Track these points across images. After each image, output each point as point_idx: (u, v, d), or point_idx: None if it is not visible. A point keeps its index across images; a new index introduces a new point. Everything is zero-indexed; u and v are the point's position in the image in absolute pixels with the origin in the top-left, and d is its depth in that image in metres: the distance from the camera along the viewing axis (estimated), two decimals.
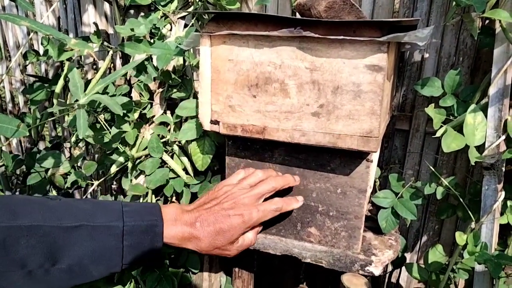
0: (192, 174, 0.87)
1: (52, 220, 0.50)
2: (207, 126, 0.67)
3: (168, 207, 0.60)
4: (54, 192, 1.02)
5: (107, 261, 0.52)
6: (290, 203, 0.65)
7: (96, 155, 1.12)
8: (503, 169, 0.67)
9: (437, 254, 0.77)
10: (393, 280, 1.12)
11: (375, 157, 0.75)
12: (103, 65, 0.82)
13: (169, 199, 0.90)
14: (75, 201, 0.56)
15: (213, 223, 0.59)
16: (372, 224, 0.78)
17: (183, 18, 0.87)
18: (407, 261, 1.06)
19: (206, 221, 0.59)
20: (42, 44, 0.82)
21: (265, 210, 0.61)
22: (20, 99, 1.58)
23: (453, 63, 0.91)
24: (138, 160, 0.88)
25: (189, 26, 0.83)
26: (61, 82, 0.84)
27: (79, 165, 1.01)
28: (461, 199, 0.72)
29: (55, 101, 0.86)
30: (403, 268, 1.07)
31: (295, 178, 0.67)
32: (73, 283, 0.52)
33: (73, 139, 0.96)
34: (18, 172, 1.23)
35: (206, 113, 0.66)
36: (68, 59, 0.83)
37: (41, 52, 0.96)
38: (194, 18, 0.84)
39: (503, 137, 0.66)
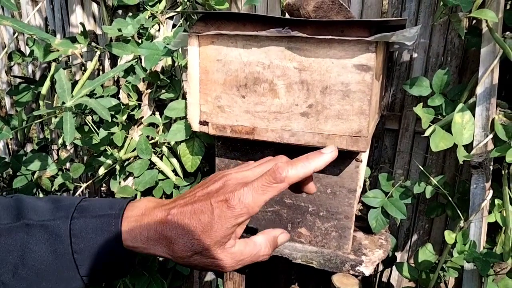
0: (181, 176, 0.86)
1: None
2: (196, 127, 0.67)
3: (141, 200, 0.45)
4: (41, 195, 1.01)
5: (60, 272, 0.40)
6: (304, 162, 0.43)
7: (85, 157, 1.11)
8: (491, 167, 0.67)
9: (427, 253, 0.78)
10: (384, 279, 1.12)
11: (364, 156, 0.75)
12: (90, 65, 0.81)
13: None
14: (31, 198, 0.43)
15: (188, 215, 0.40)
16: (362, 224, 0.79)
17: (171, 18, 0.86)
18: (398, 260, 1.06)
19: (181, 214, 0.40)
20: (27, 44, 0.80)
21: (259, 185, 0.40)
22: (7, 101, 1.56)
23: (441, 63, 0.92)
24: (127, 162, 0.87)
25: (177, 27, 0.83)
26: (47, 83, 0.83)
27: (67, 167, 1.00)
28: (450, 198, 0.72)
29: (41, 102, 0.85)
30: (394, 267, 1.07)
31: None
32: None
33: (61, 141, 0.95)
34: (4, 175, 1.21)
35: (195, 114, 0.66)
36: (54, 60, 0.82)
37: (27, 53, 0.94)
38: (183, 19, 0.84)
39: (491, 136, 0.66)
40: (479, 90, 0.68)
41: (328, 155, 0.44)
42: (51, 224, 0.40)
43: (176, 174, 0.86)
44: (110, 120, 0.63)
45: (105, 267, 0.41)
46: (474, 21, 0.82)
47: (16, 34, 1.14)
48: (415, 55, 0.94)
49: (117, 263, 0.42)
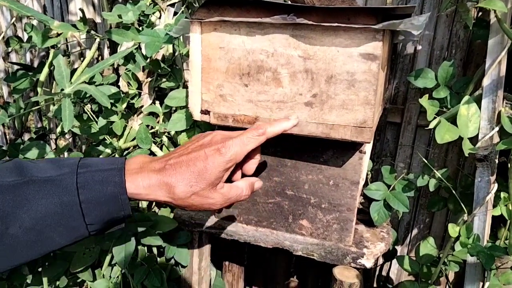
0: None
1: None
2: (197, 116, 0.65)
3: (135, 157, 0.52)
4: None
5: (67, 222, 0.45)
6: (277, 124, 0.54)
7: (83, 146, 1.10)
8: (496, 161, 0.66)
9: (428, 246, 0.77)
10: (384, 273, 1.12)
11: (368, 148, 0.74)
12: (89, 53, 0.80)
13: None
14: (30, 160, 0.48)
15: (185, 163, 0.49)
16: (364, 217, 0.78)
17: (172, 5, 0.85)
18: (398, 253, 1.06)
19: (178, 162, 0.49)
20: (25, 30, 0.79)
21: (244, 138, 0.51)
22: (4, 90, 1.54)
23: (445, 56, 0.91)
24: (126, 151, 0.85)
25: (178, 14, 0.81)
26: (45, 70, 0.81)
27: (65, 157, 0.98)
28: (453, 191, 0.71)
29: (39, 90, 0.83)
30: (394, 260, 1.07)
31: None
32: (37, 253, 0.46)
33: (59, 129, 0.93)
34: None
35: (196, 103, 0.65)
36: (53, 47, 0.80)
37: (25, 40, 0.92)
38: (184, 6, 0.82)
39: (497, 128, 0.65)
40: (486, 82, 0.67)
41: (293, 121, 0.57)
42: (58, 179, 0.45)
43: None
44: (109, 107, 0.62)
45: (108, 214, 0.47)
46: (481, 13, 0.81)
47: (14, 19, 1.12)
48: (419, 47, 0.93)
49: (119, 211, 0.47)
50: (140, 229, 0.75)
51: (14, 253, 0.45)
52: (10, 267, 0.46)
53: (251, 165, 0.56)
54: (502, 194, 0.66)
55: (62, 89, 0.65)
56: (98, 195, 0.46)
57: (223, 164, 0.49)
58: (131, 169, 0.49)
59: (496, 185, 0.65)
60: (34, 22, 1.13)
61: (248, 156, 0.54)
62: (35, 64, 1.27)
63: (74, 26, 0.84)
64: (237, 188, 0.53)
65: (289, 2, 0.66)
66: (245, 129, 0.62)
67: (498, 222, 0.77)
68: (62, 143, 0.88)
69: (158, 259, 0.84)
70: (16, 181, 0.44)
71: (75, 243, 0.48)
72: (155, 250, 0.85)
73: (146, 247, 0.82)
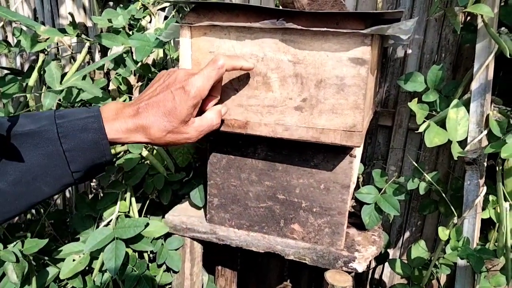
0: (173, 171, 0.85)
1: None
2: None
3: (108, 105, 0.54)
4: None
5: (52, 171, 0.47)
6: (236, 59, 0.56)
7: None
8: (485, 164, 0.67)
9: (420, 249, 0.77)
10: (376, 276, 1.12)
11: (358, 152, 0.74)
12: (79, 57, 0.79)
13: (149, 196, 0.88)
14: (3, 118, 0.50)
15: (156, 104, 0.52)
16: (356, 220, 0.78)
17: (163, 9, 0.85)
18: (390, 257, 1.06)
19: (149, 105, 0.52)
20: (14, 35, 0.78)
21: (205, 72, 0.53)
22: None
23: (435, 60, 0.92)
24: (117, 156, 0.85)
25: (169, 18, 0.81)
26: (35, 74, 0.80)
27: None
28: (443, 195, 0.72)
29: (28, 95, 0.82)
30: (386, 264, 1.07)
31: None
32: (26, 204, 0.48)
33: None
34: None
35: None
36: (42, 51, 0.79)
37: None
38: (175, 10, 0.82)
39: (485, 132, 0.66)
40: (474, 86, 0.68)
41: (250, 64, 0.57)
42: (39, 131, 0.47)
43: (167, 169, 0.85)
44: (100, 96, 0.61)
45: (91, 160, 0.49)
46: (469, 18, 0.82)
47: (2, 23, 1.11)
48: (409, 51, 0.93)
49: (101, 156, 0.50)
50: (131, 235, 0.74)
51: (3, 207, 0.46)
52: (1, 221, 0.47)
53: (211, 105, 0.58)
54: (491, 197, 0.66)
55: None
56: (80, 142, 0.48)
57: (190, 101, 0.52)
58: (107, 116, 0.51)
59: (485, 188, 0.66)
60: (23, 27, 1.12)
61: (209, 94, 0.56)
62: (26, 68, 1.26)
63: (64, 30, 0.84)
64: (207, 119, 0.56)
65: (279, 7, 0.66)
66: (236, 134, 0.62)
67: (488, 225, 0.78)
68: None
69: (149, 264, 0.83)
70: None
71: (61, 191, 0.50)
72: (146, 255, 0.84)
73: (137, 253, 0.82)
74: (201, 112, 0.56)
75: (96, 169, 0.51)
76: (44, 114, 0.49)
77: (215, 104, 0.58)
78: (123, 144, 0.53)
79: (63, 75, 0.83)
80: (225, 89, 0.61)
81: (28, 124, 0.47)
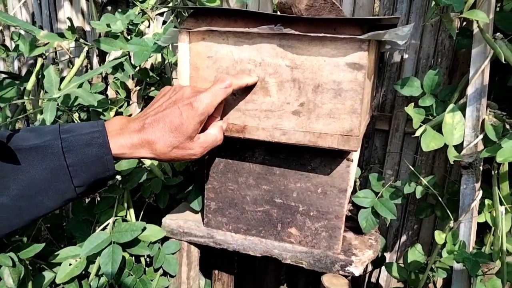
0: (170, 175, 0.85)
1: None
2: None
3: (113, 119, 0.54)
4: None
5: (55, 186, 0.47)
6: (241, 77, 0.58)
7: None
8: (481, 168, 0.67)
9: (416, 253, 0.78)
10: (373, 280, 1.12)
11: (355, 156, 0.75)
12: (77, 61, 0.80)
13: (147, 200, 0.87)
14: (6, 131, 0.49)
15: (162, 120, 0.52)
16: (352, 224, 0.78)
17: (161, 14, 0.85)
18: (387, 260, 1.06)
19: (155, 120, 0.52)
20: (12, 39, 0.78)
21: (213, 91, 0.54)
22: None
23: (431, 64, 0.92)
24: (114, 161, 0.85)
25: (167, 23, 0.81)
26: (33, 78, 0.81)
27: None
28: (440, 198, 0.72)
29: (26, 98, 0.82)
30: (383, 267, 1.07)
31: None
32: (28, 218, 0.47)
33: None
34: None
35: None
36: (40, 55, 0.79)
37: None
38: (173, 15, 0.82)
39: (481, 136, 0.66)
40: (470, 90, 0.68)
41: (254, 78, 0.59)
42: (43, 145, 0.47)
43: (165, 173, 0.85)
44: (96, 104, 0.62)
45: (95, 175, 0.49)
46: (465, 23, 0.83)
47: (0, 27, 1.11)
48: (405, 56, 0.94)
49: (104, 171, 0.50)
50: (127, 239, 0.74)
51: (5, 221, 0.46)
52: (2, 235, 0.47)
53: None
54: (487, 201, 0.67)
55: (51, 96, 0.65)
56: (84, 157, 0.48)
57: (197, 118, 0.53)
58: (112, 130, 0.51)
59: (480, 192, 0.66)
60: (22, 31, 1.13)
61: (211, 114, 0.57)
62: (23, 72, 1.26)
63: (62, 34, 0.84)
64: (211, 135, 0.57)
65: (277, 13, 0.67)
66: (234, 138, 0.63)
67: (484, 228, 0.78)
68: None
69: (146, 269, 0.83)
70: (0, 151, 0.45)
71: (63, 205, 0.50)
72: (143, 260, 0.84)
73: (133, 257, 0.81)
74: (202, 130, 0.57)
75: (99, 183, 0.51)
76: (49, 129, 0.49)
77: None
78: (127, 159, 0.53)
79: (61, 79, 0.83)
80: None
81: (33, 139, 0.47)
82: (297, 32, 0.54)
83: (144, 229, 0.77)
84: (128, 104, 0.86)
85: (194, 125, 0.53)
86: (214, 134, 0.57)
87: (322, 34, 0.53)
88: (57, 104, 0.72)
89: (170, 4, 0.82)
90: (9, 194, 0.45)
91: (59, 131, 0.48)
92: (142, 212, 0.87)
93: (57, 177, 0.47)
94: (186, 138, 0.53)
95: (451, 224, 0.67)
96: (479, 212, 0.68)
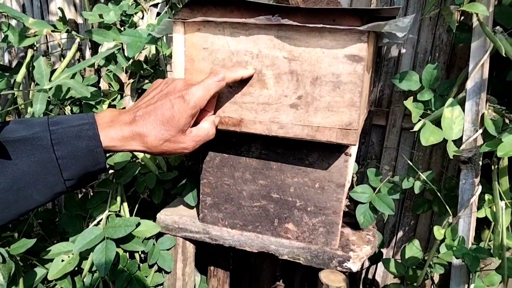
0: (165, 169, 0.83)
1: None
2: None
3: (103, 112, 0.53)
4: None
5: (44, 179, 0.46)
6: (235, 70, 0.56)
7: None
8: (480, 163, 0.67)
9: (413, 249, 0.77)
10: (370, 275, 1.12)
11: (353, 151, 0.74)
12: (69, 53, 0.78)
13: (141, 195, 0.86)
14: None
15: (153, 112, 0.51)
16: (350, 220, 0.77)
17: (155, 5, 0.83)
18: (383, 256, 1.06)
19: (146, 112, 0.51)
20: (1, 29, 0.76)
21: (206, 84, 0.53)
22: None
23: (429, 59, 0.92)
24: (108, 154, 0.83)
25: (162, 14, 0.80)
26: (23, 70, 0.78)
27: None
28: (438, 194, 0.71)
29: (16, 91, 0.80)
30: (380, 263, 1.07)
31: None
32: (17, 212, 0.46)
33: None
34: None
35: None
36: (31, 47, 0.77)
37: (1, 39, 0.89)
38: (167, 6, 0.80)
39: (480, 130, 0.66)
40: (469, 84, 0.67)
41: (250, 71, 0.57)
42: (32, 137, 0.45)
43: (159, 167, 0.83)
44: (88, 96, 0.60)
45: (85, 168, 0.48)
46: (463, 17, 0.82)
47: None
48: (403, 50, 0.93)
49: (95, 164, 0.49)
50: (121, 234, 0.73)
51: None
52: None
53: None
54: (486, 196, 0.66)
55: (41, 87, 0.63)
56: (74, 150, 0.47)
57: (189, 111, 0.52)
58: (102, 123, 0.50)
59: (480, 187, 0.66)
60: (12, 22, 1.10)
61: (204, 108, 0.56)
62: (14, 65, 1.23)
63: (53, 26, 0.82)
64: (203, 129, 0.56)
65: (274, 3, 0.65)
66: (230, 131, 0.61)
67: (481, 224, 0.77)
68: None
69: (141, 265, 0.81)
70: None
71: (53, 199, 0.49)
72: (137, 256, 0.83)
73: (127, 253, 0.80)
74: (194, 124, 0.56)
75: (89, 177, 0.50)
76: (37, 121, 0.48)
77: None
78: (118, 151, 0.52)
79: (52, 72, 0.81)
80: None
81: (21, 131, 0.46)
82: (295, 23, 0.53)
83: (138, 224, 0.75)
84: (122, 97, 0.84)
85: (185, 118, 0.52)
86: (207, 128, 0.56)
87: (321, 25, 0.52)
88: (48, 97, 0.70)
89: None
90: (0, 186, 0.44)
91: (48, 123, 0.47)
92: (136, 207, 0.85)
93: (46, 170, 0.46)
94: (178, 131, 0.52)
95: (450, 219, 0.67)
96: (478, 208, 0.68)
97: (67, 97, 0.81)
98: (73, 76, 0.68)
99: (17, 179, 0.45)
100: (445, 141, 0.67)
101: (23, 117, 1.36)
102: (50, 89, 0.63)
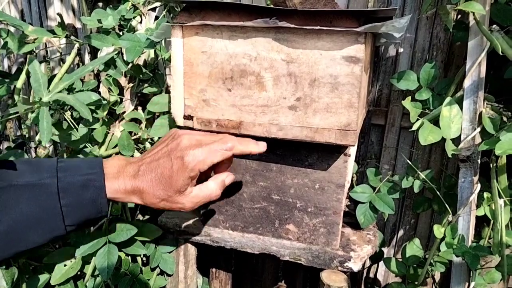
0: None
1: None
2: (181, 122, 0.64)
3: (112, 159, 0.53)
4: None
5: (46, 224, 0.47)
6: (246, 143, 0.55)
7: (64, 154, 1.07)
8: (479, 161, 0.67)
9: (414, 248, 0.77)
10: (371, 275, 1.12)
11: (352, 151, 0.74)
12: (68, 59, 0.78)
13: None
14: (5, 161, 0.49)
15: (154, 170, 0.51)
16: (350, 220, 0.78)
17: (153, 9, 0.83)
18: (384, 255, 1.06)
19: (149, 168, 0.51)
20: (0, 36, 0.76)
21: (212, 149, 0.51)
22: None
23: (427, 58, 0.92)
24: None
25: (160, 18, 0.80)
26: (22, 76, 0.79)
27: None
28: (437, 192, 0.72)
29: (16, 97, 0.81)
30: (381, 262, 1.07)
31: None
32: (14, 251, 0.47)
33: (38, 138, 0.91)
34: None
35: (179, 108, 0.63)
36: (30, 53, 0.78)
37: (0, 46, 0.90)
38: (165, 10, 0.81)
39: (478, 129, 0.66)
40: (467, 83, 0.68)
41: (262, 147, 0.57)
42: (39, 184, 0.46)
43: None
44: (90, 120, 0.61)
45: (87, 216, 0.49)
46: (460, 16, 0.82)
47: None
48: (401, 50, 0.94)
49: (97, 213, 0.50)
50: (123, 238, 0.73)
51: None
52: None
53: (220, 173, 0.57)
54: (485, 194, 0.66)
55: (40, 98, 0.63)
56: (79, 199, 0.48)
57: (187, 173, 0.50)
58: (109, 173, 0.50)
59: (479, 185, 0.66)
60: (11, 28, 1.11)
61: (218, 165, 0.55)
62: (13, 71, 1.24)
63: (53, 31, 0.82)
64: (207, 189, 0.54)
65: (271, 6, 0.66)
66: (230, 134, 0.62)
67: (482, 222, 0.78)
68: (41, 151, 0.86)
69: (143, 268, 0.82)
70: None
71: (51, 242, 0.49)
72: (139, 259, 0.83)
73: (130, 257, 0.80)
74: (206, 176, 0.55)
75: (90, 223, 0.51)
76: (46, 164, 0.49)
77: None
78: (120, 202, 0.54)
79: (51, 78, 0.82)
80: (218, 89, 0.60)
81: (28, 174, 0.47)
82: (292, 25, 0.53)
83: (140, 228, 0.76)
84: (121, 101, 0.84)
85: (183, 180, 0.50)
86: (211, 188, 0.54)
87: (318, 27, 0.52)
88: (49, 102, 0.71)
89: None
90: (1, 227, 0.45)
91: (56, 168, 0.48)
92: (137, 210, 0.85)
93: (49, 216, 0.47)
94: (175, 192, 0.51)
95: (450, 218, 0.67)
96: (478, 206, 0.68)
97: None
98: (72, 84, 0.68)
99: (19, 222, 0.45)
100: (443, 139, 0.68)
101: (23, 124, 1.36)
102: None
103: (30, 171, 0.47)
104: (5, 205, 0.45)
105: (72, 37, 0.85)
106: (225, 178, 0.57)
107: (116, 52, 0.77)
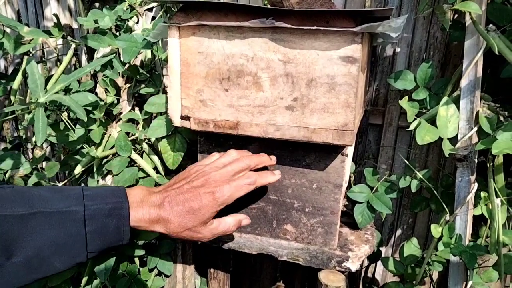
0: (163, 173, 0.83)
1: (3, 209, 0.45)
2: (178, 122, 0.64)
3: (134, 189, 0.56)
4: None
5: (70, 250, 0.48)
6: (265, 176, 0.60)
7: (61, 155, 1.07)
8: (476, 160, 0.67)
9: (412, 247, 0.77)
10: (369, 274, 1.12)
11: (350, 151, 0.74)
12: (65, 59, 0.78)
13: None
14: (30, 188, 0.50)
15: (182, 202, 0.54)
16: (348, 219, 0.78)
17: (150, 10, 0.83)
18: (382, 255, 1.06)
19: (175, 200, 0.54)
20: None
21: (238, 185, 0.57)
22: None
23: (424, 58, 0.92)
24: (105, 159, 0.83)
25: (156, 18, 0.80)
26: (19, 77, 0.78)
27: (43, 166, 0.95)
28: (435, 192, 0.72)
29: (13, 98, 0.80)
30: (379, 262, 1.07)
31: (271, 157, 0.63)
32: (34, 278, 0.47)
33: (35, 139, 0.90)
34: None
35: (176, 109, 0.63)
36: (27, 53, 0.77)
37: None
38: (162, 10, 0.81)
39: (475, 128, 0.66)
40: (464, 83, 0.68)
41: (277, 176, 0.62)
42: (66, 211, 0.48)
43: (157, 171, 0.84)
44: (85, 120, 0.60)
45: (109, 243, 0.51)
46: (457, 15, 0.82)
47: None
48: (398, 49, 0.94)
49: (119, 240, 0.52)
50: None
51: (12, 279, 0.45)
52: None
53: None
54: (482, 194, 0.67)
55: (37, 99, 0.63)
56: (104, 226, 0.50)
57: (216, 207, 0.55)
58: (133, 201, 0.53)
59: (476, 184, 0.66)
60: (7, 28, 1.10)
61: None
62: (10, 72, 1.23)
63: (49, 31, 0.82)
64: (225, 224, 0.59)
65: (268, 6, 0.66)
66: (228, 135, 0.62)
67: (478, 221, 0.78)
68: (38, 152, 0.85)
69: (141, 269, 0.82)
70: (24, 212, 0.46)
71: (71, 268, 0.50)
72: (137, 260, 0.83)
73: (127, 258, 0.80)
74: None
75: (111, 250, 0.53)
76: (73, 192, 0.51)
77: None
78: (142, 231, 0.55)
79: (48, 79, 0.81)
80: (215, 89, 0.60)
81: (56, 202, 0.48)
82: (289, 26, 0.53)
83: None
84: (118, 102, 0.84)
85: (211, 213, 0.55)
86: (229, 223, 0.59)
87: (315, 27, 0.52)
88: (46, 103, 0.70)
89: None
90: (24, 254, 0.45)
91: (83, 196, 0.50)
92: None
93: (74, 242, 0.48)
94: (200, 223, 0.55)
95: (447, 217, 0.67)
96: (475, 205, 0.68)
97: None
98: (69, 86, 0.68)
99: (44, 247, 0.47)
100: (441, 139, 0.68)
101: (20, 125, 1.36)
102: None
103: (58, 199, 0.49)
104: (33, 231, 0.46)
105: (69, 38, 0.85)
106: (243, 219, 0.62)
107: (113, 52, 0.77)
